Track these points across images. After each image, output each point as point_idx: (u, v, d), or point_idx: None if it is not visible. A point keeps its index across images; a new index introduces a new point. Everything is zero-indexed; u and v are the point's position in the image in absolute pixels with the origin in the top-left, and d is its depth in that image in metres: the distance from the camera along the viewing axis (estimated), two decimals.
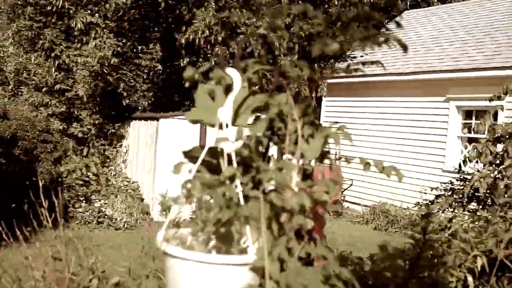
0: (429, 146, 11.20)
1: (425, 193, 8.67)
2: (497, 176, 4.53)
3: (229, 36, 10.89)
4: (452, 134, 10.83)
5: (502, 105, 5.48)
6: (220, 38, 10.17)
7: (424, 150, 11.30)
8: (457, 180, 5.02)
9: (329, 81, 13.70)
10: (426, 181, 11.21)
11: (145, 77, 11.42)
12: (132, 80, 11.42)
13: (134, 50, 11.21)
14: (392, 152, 11.86)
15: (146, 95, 11.99)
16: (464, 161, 5.01)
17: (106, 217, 9.57)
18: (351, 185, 12.98)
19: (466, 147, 10.77)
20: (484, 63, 10.28)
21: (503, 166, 4.53)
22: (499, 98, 4.94)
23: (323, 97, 14.00)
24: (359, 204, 12.73)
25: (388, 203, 11.62)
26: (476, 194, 4.62)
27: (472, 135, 10.58)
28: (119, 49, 10.27)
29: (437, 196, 5.09)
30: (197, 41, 9.89)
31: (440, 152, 11.02)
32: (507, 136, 4.71)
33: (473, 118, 10.65)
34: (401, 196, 11.48)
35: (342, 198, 13.08)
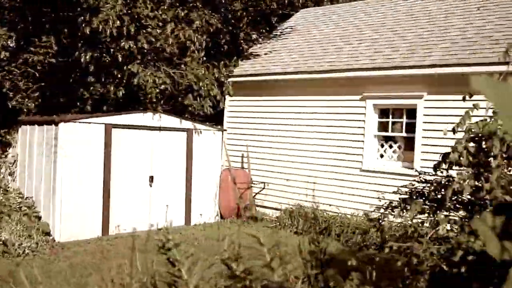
0: (346, 146, 11.01)
1: (383, 198, 8.23)
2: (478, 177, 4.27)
3: (135, 30, 9.72)
4: (369, 133, 10.72)
5: (477, 103, 5.23)
6: (133, 30, 8.97)
7: (341, 150, 11.08)
8: (418, 182, 4.72)
9: (235, 79, 13.02)
10: (344, 181, 11.02)
11: (37, 75, 9.80)
12: (20, 78, 9.75)
13: (24, 43, 9.56)
14: (310, 152, 11.52)
15: (31, 95, 10.35)
16: (439, 163, 4.66)
17: (0, 242, 7.98)
18: (263, 188, 12.44)
19: (382, 146, 10.74)
20: (401, 62, 10.28)
21: (492, 167, 4.24)
22: (471, 96, 4.68)
23: (226, 97, 13.24)
24: (271, 208, 12.22)
25: (306, 206, 11.22)
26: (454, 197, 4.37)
27: (389, 133, 10.58)
28: (9, 41, 8.63)
29: (404, 200, 4.75)
30: (108, 31, 8.59)
31: (358, 151, 10.87)
32: (488, 136, 4.46)
33: (390, 116, 10.65)
34: (319, 198, 11.17)
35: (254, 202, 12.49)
